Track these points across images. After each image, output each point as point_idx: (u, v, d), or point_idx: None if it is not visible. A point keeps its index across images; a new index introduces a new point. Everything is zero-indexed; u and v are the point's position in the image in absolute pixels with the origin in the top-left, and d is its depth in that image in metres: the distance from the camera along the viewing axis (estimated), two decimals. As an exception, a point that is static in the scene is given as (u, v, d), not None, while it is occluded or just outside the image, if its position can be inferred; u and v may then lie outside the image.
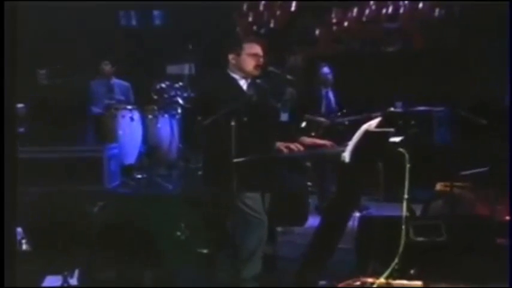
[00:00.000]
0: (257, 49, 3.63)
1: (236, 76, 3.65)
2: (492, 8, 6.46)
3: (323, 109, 6.08)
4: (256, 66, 3.60)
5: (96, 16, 7.62)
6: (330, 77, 6.10)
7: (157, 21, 8.42)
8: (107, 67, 6.91)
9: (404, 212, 3.52)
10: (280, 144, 3.46)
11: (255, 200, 3.48)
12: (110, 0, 7.66)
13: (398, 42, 7.94)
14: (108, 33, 7.84)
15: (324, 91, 6.11)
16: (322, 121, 5.91)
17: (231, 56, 3.65)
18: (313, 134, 5.77)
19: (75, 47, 7.51)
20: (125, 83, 7.06)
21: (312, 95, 6.07)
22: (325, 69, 6.12)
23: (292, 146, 3.46)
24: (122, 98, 6.90)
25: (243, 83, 3.66)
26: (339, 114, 5.98)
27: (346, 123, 5.87)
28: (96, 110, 6.73)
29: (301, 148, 3.47)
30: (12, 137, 2.63)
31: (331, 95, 6.14)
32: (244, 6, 8.44)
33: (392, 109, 6.13)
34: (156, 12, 8.38)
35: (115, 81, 6.97)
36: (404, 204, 3.52)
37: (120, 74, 6.99)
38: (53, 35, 7.48)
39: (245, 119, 3.45)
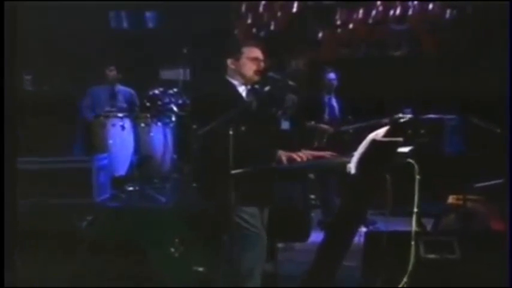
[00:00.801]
0: (257, 53, 3.65)
1: (235, 82, 3.66)
2: (506, 9, 6.48)
3: (326, 117, 6.10)
4: (257, 71, 3.62)
5: (83, 17, 7.64)
6: (334, 82, 6.13)
7: (149, 23, 8.45)
8: (111, 73, 6.92)
9: (414, 227, 3.52)
10: (280, 154, 3.46)
11: (253, 214, 3.48)
12: (98, 0, 7.69)
13: (407, 45, 7.97)
14: (97, 36, 7.86)
15: (327, 97, 6.13)
16: (325, 129, 5.93)
17: (229, 61, 3.66)
18: (316, 143, 5.79)
19: (63, 50, 7.53)
20: (129, 90, 7.06)
21: (314, 102, 6.09)
22: (330, 74, 6.14)
23: (294, 156, 3.46)
24: (125, 106, 6.90)
25: (242, 89, 3.67)
26: (344, 122, 5.99)
27: (351, 131, 5.88)
28: (91, 115, 6.72)
29: (304, 158, 3.47)
30: (13, 139, 2.82)
31: (334, 101, 6.16)
32: (243, 7, 8.47)
33: (400, 116, 6.14)
34: (148, 14, 8.41)
35: (119, 88, 6.99)
36: (414, 218, 3.52)
37: (125, 81, 7.00)
38: (37, 36, 7.49)
39: (244, 127, 3.46)
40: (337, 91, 6.18)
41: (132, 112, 6.71)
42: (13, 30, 2.78)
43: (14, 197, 2.82)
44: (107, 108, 6.71)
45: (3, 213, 2.72)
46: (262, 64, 3.65)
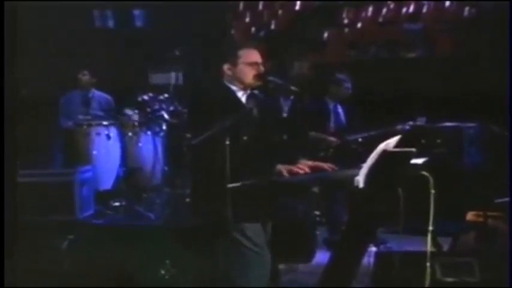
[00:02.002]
0: (256, 56, 3.67)
1: (233, 87, 3.69)
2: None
3: (332, 125, 6.12)
4: (256, 76, 3.64)
5: (66, 15, 7.67)
6: (348, 90, 6.12)
7: (138, 23, 8.48)
8: (84, 77, 6.95)
9: (429, 247, 3.53)
10: (282, 167, 3.48)
11: (256, 231, 3.49)
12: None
13: (421, 46, 7.99)
14: (80, 36, 7.89)
15: (331, 105, 6.15)
16: (331, 140, 5.94)
17: (225, 66, 3.68)
18: (321, 154, 5.80)
19: (42, 51, 7.55)
20: (106, 96, 7.09)
21: (318, 109, 6.11)
22: (338, 79, 6.15)
23: (296, 168, 3.48)
24: (101, 113, 6.93)
25: (242, 95, 3.69)
26: (351, 130, 6.01)
27: (360, 141, 5.90)
28: (67, 123, 6.75)
29: (306, 170, 3.48)
30: (13, 139, 2.98)
31: (340, 109, 6.18)
32: (241, 5, 8.51)
33: (414, 124, 6.16)
34: (136, 12, 8.44)
35: (95, 93, 7.02)
36: (429, 237, 3.52)
37: (101, 86, 7.02)
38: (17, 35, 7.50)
39: (242, 137, 3.47)
40: (345, 98, 6.19)
41: (108, 120, 6.72)
42: (13, 30, 2.93)
43: (15, 197, 2.98)
44: (80, 117, 6.73)
45: (3, 213, 2.92)
46: (261, 68, 3.67)
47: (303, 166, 3.50)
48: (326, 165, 3.59)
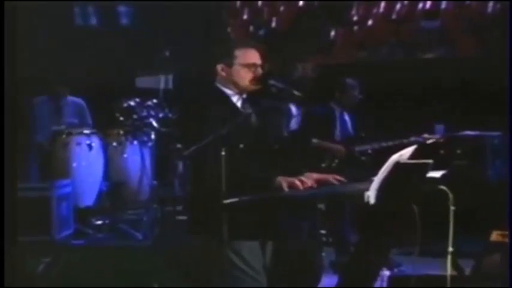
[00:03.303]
0: (254, 57, 3.68)
1: (227, 91, 3.69)
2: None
3: (337, 134, 6.12)
4: (253, 80, 3.65)
5: (42, 12, 7.67)
6: (349, 94, 6.13)
7: (123, 20, 8.51)
8: (57, 83, 6.97)
9: (449, 271, 3.53)
10: (282, 180, 3.48)
11: (253, 252, 3.49)
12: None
13: (439, 47, 8.01)
14: (57, 35, 7.90)
15: (338, 112, 6.16)
16: (337, 149, 5.95)
17: (219, 67, 3.69)
18: (323, 165, 5.80)
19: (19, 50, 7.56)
20: (77, 100, 7.10)
21: (322, 116, 6.11)
22: (344, 84, 6.16)
23: (299, 181, 3.48)
24: (74, 121, 6.94)
25: (237, 100, 3.70)
26: (359, 140, 6.01)
27: (370, 152, 5.90)
28: (39, 138, 6.75)
29: (309, 184, 3.48)
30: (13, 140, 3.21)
31: (347, 116, 6.19)
32: (238, 2, 8.54)
33: (431, 133, 6.16)
34: (122, 9, 8.47)
35: (67, 99, 7.04)
36: (449, 259, 3.53)
37: (81, 91, 7.04)
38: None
39: (239, 146, 3.48)
40: (353, 104, 6.19)
41: (80, 128, 6.72)
42: (13, 30, 3.11)
43: (15, 197, 3.19)
44: (53, 127, 6.73)
45: (3, 212, 3.13)
46: (260, 70, 3.68)
47: (307, 179, 3.50)
48: (333, 178, 3.59)
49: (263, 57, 3.72)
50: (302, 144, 5.83)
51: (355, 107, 6.15)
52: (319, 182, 3.56)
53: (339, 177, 3.61)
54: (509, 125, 4.62)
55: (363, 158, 5.92)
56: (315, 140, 5.92)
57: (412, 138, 5.79)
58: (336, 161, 5.91)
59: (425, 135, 5.96)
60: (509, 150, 4.19)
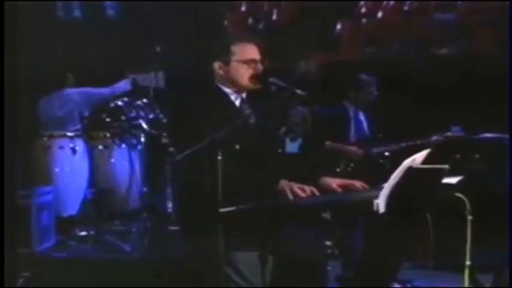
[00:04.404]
0: (252, 52, 3.70)
1: (226, 89, 3.71)
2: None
3: (352, 135, 6.13)
4: (253, 77, 3.67)
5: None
6: (365, 91, 6.13)
7: (110, 12, 8.52)
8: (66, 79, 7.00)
9: (467, 285, 3.53)
10: (283, 186, 3.49)
11: (251, 266, 3.50)
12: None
13: (456, 42, 8.02)
14: (37, 28, 7.90)
15: (352, 111, 6.17)
16: (353, 152, 5.94)
17: (216, 65, 3.71)
18: (338, 170, 5.80)
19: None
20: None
21: (335, 116, 6.11)
22: (359, 80, 6.16)
23: (302, 189, 3.49)
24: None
25: (235, 98, 3.71)
26: (375, 142, 6.00)
27: (387, 154, 5.89)
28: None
29: (315, 192, 3.49)
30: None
31: (362, 116, 6.20)
32: (236, -8, 8.56)
33: (446, 136, 6.17)
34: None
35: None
36: (466, 273, 3.53)
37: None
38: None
39: (237, 151, 3.49)
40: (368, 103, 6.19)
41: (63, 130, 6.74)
42: (13, 30, 3.22)
43: (14, 197, 3.29)
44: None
45: (3, 212, 3.27)
46: (260, 67, 3.69)
47: (318, 186, 3.51)
48: (358, 183, 3.61)
49: (262, 52, 3.74)
50: (312, 147, 5.83)
51: (371, 106, 6.15)
52: (342, 187, 3.59)
53: (362, 183, 3.63)
54: (509, 125, 4.65)
55: (381, 160, 5.91)
56: (327, 143, 5.91)
57: (434, 137, 5.80)
58: (352, 164, 5.90)
59: (449, 134, 5.97)
60: (509, 150, 4.21)
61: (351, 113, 6.16)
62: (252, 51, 3.70)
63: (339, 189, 3.67)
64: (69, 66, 7.22)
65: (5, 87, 3.38)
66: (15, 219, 3.45)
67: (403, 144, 5.87)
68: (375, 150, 5.95)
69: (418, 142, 5.74)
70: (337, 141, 5.94)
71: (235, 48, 3.70)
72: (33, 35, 7.68)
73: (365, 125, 6.18)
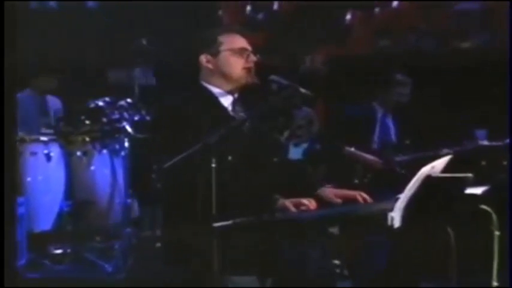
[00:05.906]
0: (241, 42, 3.71)
1: (216, 89, 3.71)
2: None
3: (375, 141, 6.13)
4: (246, 68, 3.66)
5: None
6: (396, 92, 6.13)
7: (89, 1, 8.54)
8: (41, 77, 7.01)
9: (494, 309, 3.54)
10: (286, 203, 3.49)
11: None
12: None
13: (479, 35, 8.04)
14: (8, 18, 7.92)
15: (380, 113, 6.17)
16: (372, 161, 5.93)
17: (204, 59, 3.71)
18: (356, 181, 5.80)
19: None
20: (58, 100, 7.20)
21: (360, 118, 6.12)
22: (391, 80, 6.17)
23: (305, 201, 3.49)
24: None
25: (226, 100, 3.72)
26: (400, 149, 6.01)
27: (409, 163, 5.88)
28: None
29: (312, 205, 3.50)
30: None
31: (390, 121, 6.20)
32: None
33: (470, 142, 6.18)
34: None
35: (49, 97, 7.14)
36: (493, 295, 3.54)
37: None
38: None
39: (232, 158, 3.49)
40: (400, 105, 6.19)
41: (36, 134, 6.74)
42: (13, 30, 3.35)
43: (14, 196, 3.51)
44: (43, 130, 6.76)
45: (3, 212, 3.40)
46: (252, 57, 3.70)
47: (319, 198, 3.52)
48: (358, 194, 3.59)
49: (252, 46, 3.74)
50: (327, 150, 5.81)
51: (400, 109, 6.15)
52: (341, 199, 3.60)
53: (365, 195, 3.63)
54: (509, 125, 4.68)
55: (403, 171, 5.89)
56: (349, 148, 5.89)
57: (447, 148, 5.81)
58: (369, 175, 5.90)
59: (464, 141, 5.97)
60: (509, 150, 4.23)
61: (379, 115, 6.17)
62: (240, 41, 3.72)
63: (338, 201, 3.67)
64: (42, 63, 7.23)
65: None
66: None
67: (418, 154, 5.87)
68: (398, 158, 5.94)
69: (432, 152, 5.74)
70: (358, 146, 5.94)
71: (222, 38, 3.72)
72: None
73: (393, 130, 6.19)
